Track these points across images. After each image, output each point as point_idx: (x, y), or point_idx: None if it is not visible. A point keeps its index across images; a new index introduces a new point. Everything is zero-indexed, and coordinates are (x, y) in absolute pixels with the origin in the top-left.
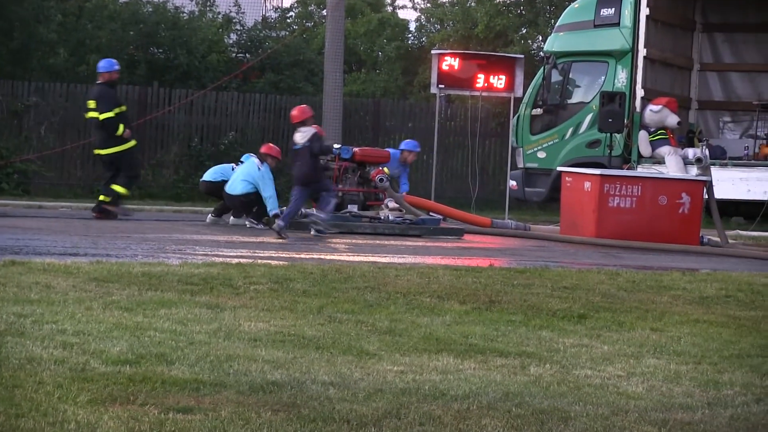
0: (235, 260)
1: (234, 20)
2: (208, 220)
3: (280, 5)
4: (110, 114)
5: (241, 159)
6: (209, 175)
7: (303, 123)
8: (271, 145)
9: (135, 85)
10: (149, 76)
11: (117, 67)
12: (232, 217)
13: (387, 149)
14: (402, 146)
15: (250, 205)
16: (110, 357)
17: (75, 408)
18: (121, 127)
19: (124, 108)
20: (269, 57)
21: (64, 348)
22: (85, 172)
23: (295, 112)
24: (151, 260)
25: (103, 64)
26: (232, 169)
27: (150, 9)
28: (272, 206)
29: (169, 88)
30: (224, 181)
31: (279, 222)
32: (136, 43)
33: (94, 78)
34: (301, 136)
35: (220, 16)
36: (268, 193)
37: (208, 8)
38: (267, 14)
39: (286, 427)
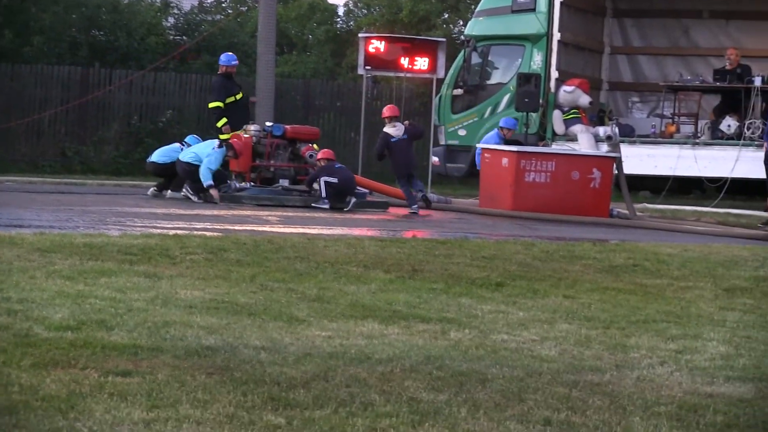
0: (172, 232)
1: (171, 4)
2: (149, 193)
3: None
4: (218, 104)
5: (186, 140)
6: (157, 157)
7: (395, 118)
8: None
9: (77, 66)
10: (91, 57)
11: (235, 63)
12: (169, 191)
13: (491, 131)
14: (501, 124)
15: (191, 174)
16: (52, 323)
17: (18, 371)
18: (223, 120)
19: (239, 96)
20: (205, 39)
21: (8, 315)
22: (29, 148)
23: (386, 111)
24: (92, 231)
25: (222, 58)
26: (179, 150)
27: None
28: (206, 179)
29: (109, 69)
30: (172, 163)
31: (414, 208)
32: (78, 26)
33: (39, 58)
34: (396, 130)
35: (158, 1)
36: (203, 168)
37: None
38: None
39: (220, 389)
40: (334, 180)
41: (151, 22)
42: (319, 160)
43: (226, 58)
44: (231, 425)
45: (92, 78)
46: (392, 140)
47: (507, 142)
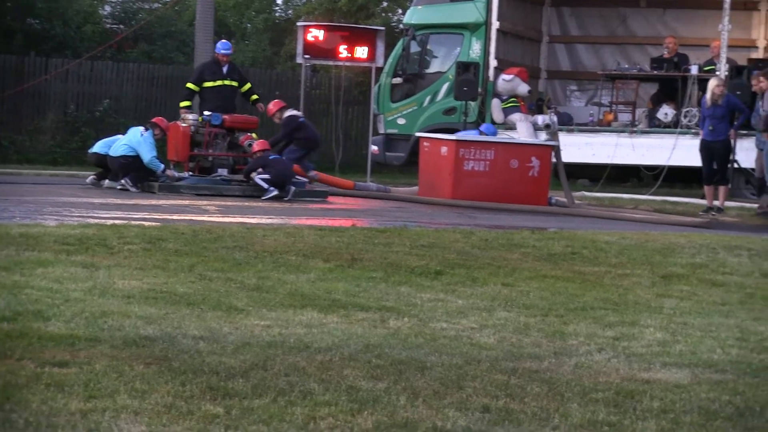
0: (110, 221)
1: None
2: (88, 181)
3: None
4: (188, 84)
5: (128, 131)
6: (98, 148)
7: (285, 108)
8: (162, 118)
9: (12, 55)
10: (26, 45)
11: (222, 51)
12: (107, 181)
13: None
14: (481, 128)
15: (128, 167)
16: None
17: None
18: (185, 102)
19: (217, 82)
20: (142, 28)
21: None
22: None
23: (273, 105)
24: (29, 222)
25: (217, 45)
26: None
27: None
28: (155, 167)
29: (45, 58)
30: None
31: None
32: (13, 14)
33: None
34: (297, 111)
35: None
36: (148, 157)
37: None
38: None
39: (158, 379)
40: (267, 176)
41: (88, 11)
42: (255, 152)
43: (217, 45)
44: (169, 415)
45: (28, 67)
46: (301, 120)
47: None
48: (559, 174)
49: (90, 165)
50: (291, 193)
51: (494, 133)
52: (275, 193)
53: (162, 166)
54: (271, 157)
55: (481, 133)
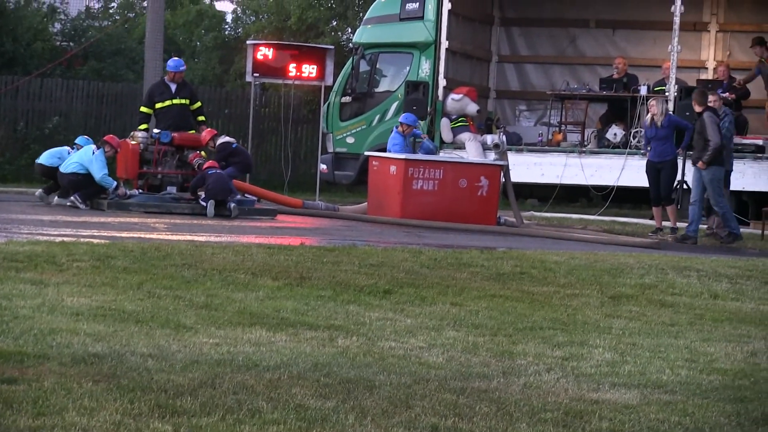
0: (59, 238)
1: (58, 10)
2: (36, 195)
3: None
4: (142, 108)
5: (76, 142)
6: (45, 159)
7: (217, 135)
8: (113, 136)
9: None
10: None
11: (171, 69)
12: (56, 197)
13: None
14: (400, 119)
15: (78, 184)
16: None
17: None
18: (142, 126)
19: (167, 103)
20: (92, 46)
21: None
22: None
23: (206, 134)
24: None
25: (168, 62)
26: (68, 153)
27: None
28: (107, 184)
29: None
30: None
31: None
32: None
33: None
34: (229, 138)
35: (45, 6)
36: (99, 175)
37: None
38: (90, 4)
39: (106, 396)
40: (202, 194)
41: (38, 28)
42: (204, 169)
43: (168, 63)
44: None
45: None
46: (234, 146)
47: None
48: (507, 194)
49: (37, 178)
50: (233, 210)
51: (414, 122)
52: (210, 203)
53: (114, 183)
54: (209, 172)
55: (400, 124)
